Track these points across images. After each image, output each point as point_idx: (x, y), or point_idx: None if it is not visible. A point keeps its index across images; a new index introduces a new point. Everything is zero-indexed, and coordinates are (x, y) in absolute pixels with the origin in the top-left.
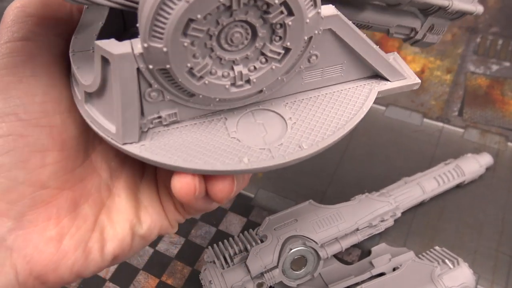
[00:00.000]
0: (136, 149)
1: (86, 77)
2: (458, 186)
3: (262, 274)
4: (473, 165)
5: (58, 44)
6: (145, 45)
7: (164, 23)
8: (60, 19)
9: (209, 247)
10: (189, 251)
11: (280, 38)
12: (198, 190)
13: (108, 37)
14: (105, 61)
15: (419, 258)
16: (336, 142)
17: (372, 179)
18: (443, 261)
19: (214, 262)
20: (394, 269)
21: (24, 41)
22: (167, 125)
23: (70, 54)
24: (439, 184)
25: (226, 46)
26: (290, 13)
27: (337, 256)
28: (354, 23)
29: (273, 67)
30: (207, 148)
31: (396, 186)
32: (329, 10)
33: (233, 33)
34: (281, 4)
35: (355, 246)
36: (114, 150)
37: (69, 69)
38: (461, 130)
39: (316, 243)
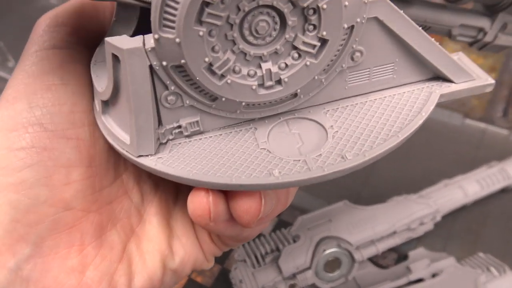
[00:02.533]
0: (151, 163)
1: (103, 84)
2: (503, 191)
3: (294, 275)
4: None
5: (88, 56)
6: (156, 36)
7: (175, 9)
8: (91, 31)
9: (240, 245)
10: None
11: (314, 27)
12: (214, 211)
13: None
14: (116, 59)
15: (461, 264)
16: (388, 152)
17: (409, 181)
18: (488, 269)
19: (245, 261)
20: (433, 275)
21: (55, 49)
22: (188, 136)
23: (92, 64)
24: (483, 188)
25: (250, 38)
26: None
27: (372, 260)
28: None
29: (308, 63)
30: (232, 160)
31: (436, 189)
32: None
33: (258, 21)
34: None
35: (391, 250)
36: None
37: None
38: (506, 132)
39: (351, 245)
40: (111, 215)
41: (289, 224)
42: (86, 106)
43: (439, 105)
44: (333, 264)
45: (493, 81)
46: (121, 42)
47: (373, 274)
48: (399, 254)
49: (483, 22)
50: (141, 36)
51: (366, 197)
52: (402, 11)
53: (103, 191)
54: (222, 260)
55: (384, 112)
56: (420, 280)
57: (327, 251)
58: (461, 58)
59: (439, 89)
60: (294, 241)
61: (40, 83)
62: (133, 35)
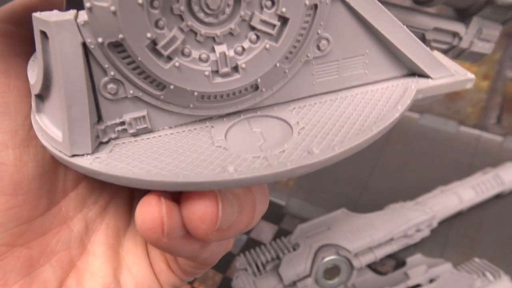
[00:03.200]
0: (86, 162)
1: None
2: (498, 196)
3: (294, 282)
4: None
5: (17, 65)
6: (88, 4)
7: None
8: (22, 36)
9: (241, 254)
10: (220, 258)
11: (273, 2)
12: (168, 223)
13: None
14: (44, 37)
15: (457, 270)
16: (361, 146)
17: (406, 188)
18: (483, 274)
19: (246, 270)
20: (430, 281)
21: None
22: (135, 135)
23: (30, 61)
24: (478, 194)
25: (201, 15)
26: None
27: (371, 267)
28: None
29: (267, 46)
30: (181, 158)
31: (432, 195)
32: None
33: None
34: None
35: (389, 256)
36: (94, 195)
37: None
38: (500, 138)
39: (350, 252)
40: (45, 248)
41: (289, 232)
42: (12, 125)
43: (433, 112)
44: (332, 271)
45: (473, 76)
46: (49, 15)
47: (372, 281)
48: (397, 260)
49: (457, 27)
50: (75, 10)
51: (364, 205)
52: None
53: (34, 222)
54: (224, 269)
55: (356, 108)
56: (417, 286)
57: (326, 259)
58: (436, 54)
59: (415, 85)
60: (294, 249)
61: None
62: None
